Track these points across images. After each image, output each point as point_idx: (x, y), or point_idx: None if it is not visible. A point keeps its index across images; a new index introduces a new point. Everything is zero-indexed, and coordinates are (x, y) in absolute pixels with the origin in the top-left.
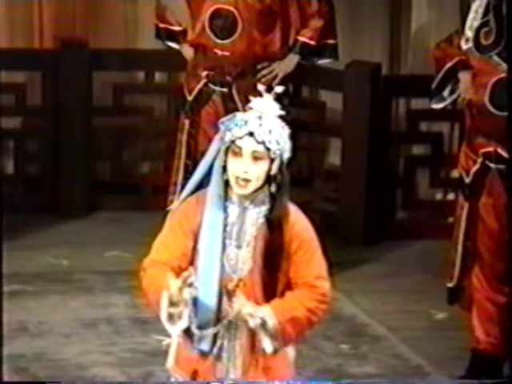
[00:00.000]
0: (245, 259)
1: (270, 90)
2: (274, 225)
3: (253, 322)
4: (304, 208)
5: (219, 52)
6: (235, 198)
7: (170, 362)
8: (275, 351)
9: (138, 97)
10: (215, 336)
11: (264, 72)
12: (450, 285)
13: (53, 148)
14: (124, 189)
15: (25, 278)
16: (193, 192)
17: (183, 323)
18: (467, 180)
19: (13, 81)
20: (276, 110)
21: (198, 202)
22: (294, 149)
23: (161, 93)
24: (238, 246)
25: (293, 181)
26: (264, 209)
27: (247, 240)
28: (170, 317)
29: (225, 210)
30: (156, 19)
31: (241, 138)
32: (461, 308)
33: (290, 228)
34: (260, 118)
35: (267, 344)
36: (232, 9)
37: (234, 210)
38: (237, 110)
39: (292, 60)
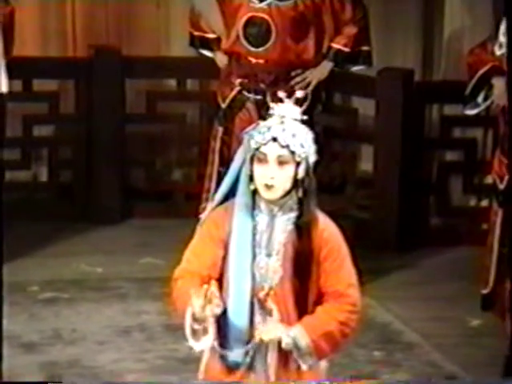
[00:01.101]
0: (275, 267)
1: (289, 95)
2: (303, 231)
3: (285, 343)
4: (336, 215)
5: (253, 60)
6: (264, 206)
7: (201, 376)
8: (311, 368)
9: (170, 104)
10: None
11: (298, 79)
12: (484, 291)
13: (86, 155)
14: (157, 196)
15: (59, 285)
16: (221, 203)
17: (208, 339)
18: (501, 186)
19: (46, 89)
20: (297, 114)
21: (226, 211)
22: (327, 155)
23: (193, 100)
24: (268, 255)
25: (325, 188)
26: (292, 216)
27: (277, 248)
28: (194, 333)
29: (253, 218)
30: (190, 27)
31: (265, 144)
32: (495, 315)
33: (320, 234)
34: (282, 123)
35: (301, 362)
36: (266, 17)
37: (262, 218)
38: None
39: (326, 67)
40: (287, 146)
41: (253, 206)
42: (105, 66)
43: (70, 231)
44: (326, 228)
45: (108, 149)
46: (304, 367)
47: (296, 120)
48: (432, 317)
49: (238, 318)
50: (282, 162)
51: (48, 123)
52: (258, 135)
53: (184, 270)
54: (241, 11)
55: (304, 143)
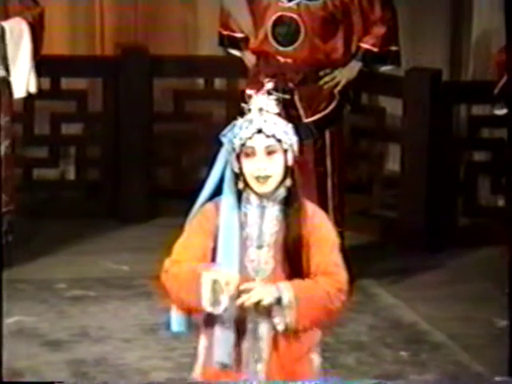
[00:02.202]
0: (266, 259)
1: (259, 89)
2: (293, 220)
3: (266, 302)
4: (364, 214)
5: (281, 59)
6: (254, 200)
7: (195, 376)
8: (286, 329)
9: (197, 103)
10: (237, 347)
11: (326, 79)
12: None
13: (114, 154)
14: (184, 194)
15: (86, 283)
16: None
17: (225, 301)
18: None
19: (74, 87)
20: (273, 105)
21: (216, 206)
22: (354, 155)
23: (220, 99)
24: (259, 246)
25: (352, 187)
26: (282, 205)
27: (267, 239)
28: (214, 295)
29: (242, 213)
30: (220, 27)
31: (250, 137)
32: None
33: (309, 221)
34: (262, 114)
35: (278, 320)
36: (295, 16)
37: (253, 211)
38: (299, 116)
39: (354, 67)
40: (273, 135)
41: (239, 203)
42: (132, 65)
43: (97, 229)
44: (315, 215)
45: (135, 147)
46: (279, 327)
47: (271, 112)
48: (459, 317)
49: (226, 314)
50: (270, 152)
51: (76, 121)
52: (241, 131)
53: (174, 260)
54: (270, 10)
55: (287, 131)
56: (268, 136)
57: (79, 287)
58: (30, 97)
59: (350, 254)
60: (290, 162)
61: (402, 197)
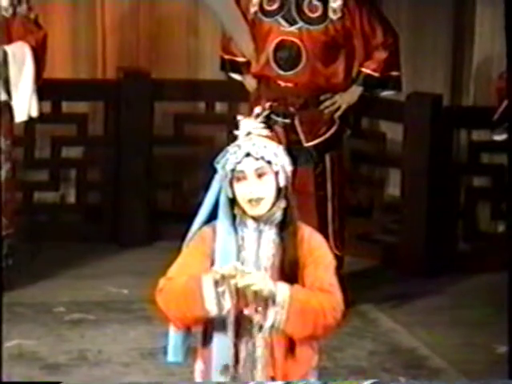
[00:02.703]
0: None
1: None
2: (289, 243)
3: (258, 289)
4: (364, 239)
5: (282, 83)
6: (250, 224)
7: None
8: (273, 327)
9: (198, 127)
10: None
11: (327, 103)
12: None
13: (114, 177)
14: (184, 218)
15: (85, 306)
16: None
17: (228, 303)
18: None
19: (75, 111)
20: (261, 129)
21: (213, 230)
22: (354, 179)
23: (221, 123)
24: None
25: (353, 212)
26: (277, 228)
27: (264, 263)
28: (218, 297)
29: (239, 238)
30: (221, 51)
31: (239, 162)
32: None
33: (306, 244)
34: (250, 138)
35: (269, 316)
36: (296, 40)
37: (249, 235)
38: (299, 140)
39: (355, 92)
40: (262, 158)
41: (235, 227)
42: (134, 89)
43: (97, 253)
44: (312, 237)
45: (136, 171)
46: (267, 323)
47: (260, 135)
48: (459, 343)
49: (223, 338)
50: (260, 175)
51: (76, 145)
52: (230, 156)
53: (168, 278)
54: (271, 35)
55: (277, 152)
56: (257, 159)
57: (79, 311)
58: (30, 120)
59: (349, 279)
60: (282, 183)
61: (402, 222)
